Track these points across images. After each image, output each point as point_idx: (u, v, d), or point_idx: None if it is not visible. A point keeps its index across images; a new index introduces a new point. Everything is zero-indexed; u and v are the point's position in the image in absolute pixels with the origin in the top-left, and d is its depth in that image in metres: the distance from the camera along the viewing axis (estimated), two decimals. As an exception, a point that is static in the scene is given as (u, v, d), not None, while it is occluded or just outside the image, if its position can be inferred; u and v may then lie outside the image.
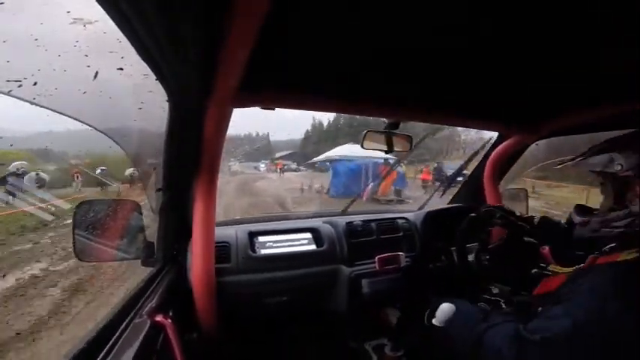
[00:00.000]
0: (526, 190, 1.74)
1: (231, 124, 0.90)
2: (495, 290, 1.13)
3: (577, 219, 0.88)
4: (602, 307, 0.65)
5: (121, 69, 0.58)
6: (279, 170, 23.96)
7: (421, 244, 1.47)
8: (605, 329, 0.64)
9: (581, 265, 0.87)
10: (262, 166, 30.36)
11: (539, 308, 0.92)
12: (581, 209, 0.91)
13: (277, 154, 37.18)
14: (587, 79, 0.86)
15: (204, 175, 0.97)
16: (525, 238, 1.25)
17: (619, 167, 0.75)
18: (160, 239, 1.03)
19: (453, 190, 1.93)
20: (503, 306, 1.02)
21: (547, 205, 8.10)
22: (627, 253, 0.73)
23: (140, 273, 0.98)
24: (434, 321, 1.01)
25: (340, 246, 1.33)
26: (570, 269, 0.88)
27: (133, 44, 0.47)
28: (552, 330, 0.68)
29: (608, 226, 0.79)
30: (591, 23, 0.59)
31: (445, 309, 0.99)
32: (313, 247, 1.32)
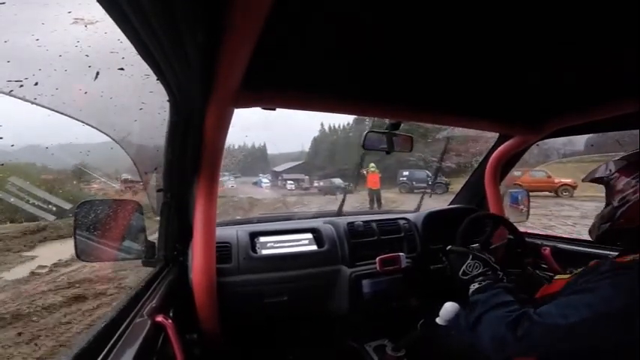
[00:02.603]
0: (527, 192, 1.74)
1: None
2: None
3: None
4: (626, 304, 0.64)
5: (122, 69, 0.58)
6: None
7: (422, 244, 1.46)
8: (622, 326, 0.64)
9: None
10: (265, 181, 23.16)
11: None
12: None
13: (277, 168, 29.87)
14: (589, 78, 0.86)
15: (205, 175, 0.97)
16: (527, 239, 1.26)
17: (608, 172, 0.84)
18: (161, 239, 1.04)
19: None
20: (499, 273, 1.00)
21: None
22: (632, 258, 0.73)
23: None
24: (437, 320, 1.01)
25: (341, 246, 1.33)
26: (569, 275, 0.89)
27: (133, 44, 0.47)
28: (569, 318, 0.68)
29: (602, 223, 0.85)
30: (593, 23, 0.59)
31: (449, 308, 0.98)
32: (314, 247, 1.31)
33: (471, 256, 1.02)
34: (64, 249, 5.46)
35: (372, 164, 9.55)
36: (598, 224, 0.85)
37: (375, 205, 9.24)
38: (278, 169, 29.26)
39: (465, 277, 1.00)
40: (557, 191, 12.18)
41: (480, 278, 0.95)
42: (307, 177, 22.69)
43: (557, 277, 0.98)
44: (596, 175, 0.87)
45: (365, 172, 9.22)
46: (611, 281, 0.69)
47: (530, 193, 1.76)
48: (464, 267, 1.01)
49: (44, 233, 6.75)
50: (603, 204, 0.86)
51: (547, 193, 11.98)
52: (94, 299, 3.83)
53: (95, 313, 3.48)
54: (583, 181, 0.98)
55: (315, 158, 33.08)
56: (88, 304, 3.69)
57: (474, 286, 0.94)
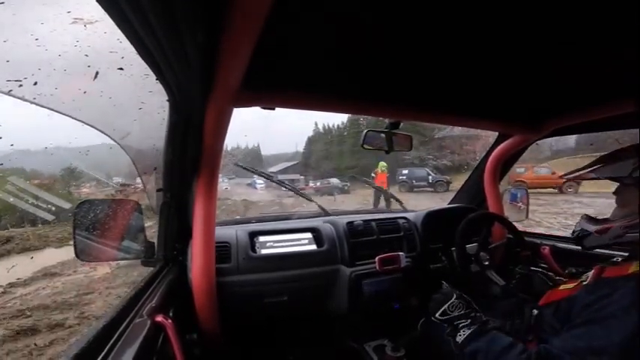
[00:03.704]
0: (526, 190, 1.74)
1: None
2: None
3: (592, 228, 0.87)
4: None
5: (121, 69, 0.58)
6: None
7: (421, 244, 1.46)
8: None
9: (588, 273, 0.86)
10: (259, 182, 21.11)
11: (535, 311, 0.92)
12: (591, 218, 0.90)
13: (271, 169, 28.67)
14: (589, 78, 0.86)
15: (205, 174, 0.97)
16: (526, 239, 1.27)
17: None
18: (161, 239, 1.04)
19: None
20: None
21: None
22: (636, 265, 0.71)
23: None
24: (434, 319, 1.01)
25: (341, 246, 1.33)
26: (573, 284, 0.88)
27: (133, 44, 0.47)
28: (592, 350, 0.65)
29: (633, 232, 0.78)
30: (593, 23, 0.59)
31: None
32: (314, 247, 1.31)
33: (455, 296, 0.96)
34: (27, 264, 4.88)
35: (383, 163, 8.82)
36: (622, 232, 0.80)
37: (384, 205, 8.52)
38: (272, 169, 28.79)
39: (442, 318, 0.93)
40: (562, 188, 11.73)
41: (464, 322, 0.88)
42: (302, 177, 22.34)
43: (562, 287, 0.95)
44: (623, 174, 0.79)
45: (374, 173, 8.90)
46: (619, 305, 0.66)
47: (535, 190, 1.76)
48: (445, 306, 0.93)
49: (8, 246, 5.78)
50: (612, 200, 0.81)
51: (551, 189, 11.66)
52: (48, 332, 3.10)
53: (47, 352, 2.76)
54: (569, 176, 0.96)
55: (310, 158, 32.32)
56: (40, 339, 2.98)
57: (462, 334, 0.86)
